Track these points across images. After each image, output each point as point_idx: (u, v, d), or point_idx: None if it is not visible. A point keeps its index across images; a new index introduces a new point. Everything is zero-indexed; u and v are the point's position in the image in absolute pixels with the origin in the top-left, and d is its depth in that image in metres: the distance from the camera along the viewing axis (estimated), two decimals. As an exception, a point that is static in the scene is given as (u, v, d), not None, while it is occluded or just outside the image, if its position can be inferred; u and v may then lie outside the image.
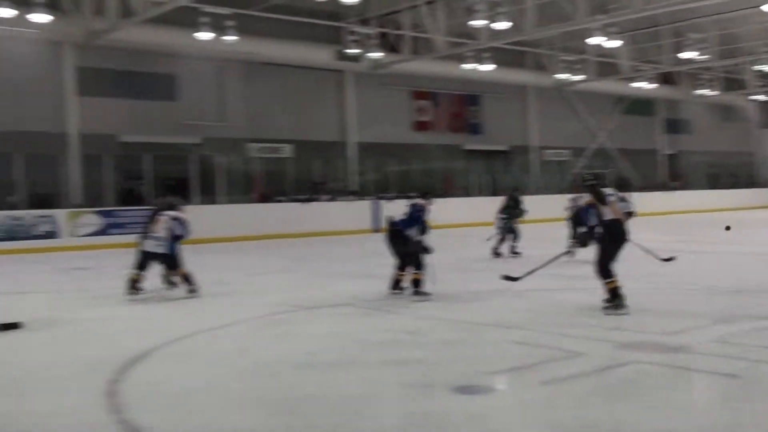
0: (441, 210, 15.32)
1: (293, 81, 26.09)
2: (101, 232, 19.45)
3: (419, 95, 29.95)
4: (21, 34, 20.33)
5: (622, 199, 9.21)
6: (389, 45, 26.21)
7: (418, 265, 9.58)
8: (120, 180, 22.20)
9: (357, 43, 25.04)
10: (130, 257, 10.51)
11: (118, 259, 15.20)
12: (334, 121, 27.60)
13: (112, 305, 9.84)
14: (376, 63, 26.44)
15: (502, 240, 14.87)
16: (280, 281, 12.34)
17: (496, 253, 14.68)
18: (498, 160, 30.86)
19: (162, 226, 10.21)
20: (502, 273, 9.76)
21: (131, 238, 18.38)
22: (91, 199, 20.82)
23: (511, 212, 15.04)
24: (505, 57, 27.85)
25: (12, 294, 10.93)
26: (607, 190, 8.86)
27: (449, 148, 29.78)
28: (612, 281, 8.25)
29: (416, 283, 9.56)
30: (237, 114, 25.13)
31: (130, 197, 21.32)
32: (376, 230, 22.40)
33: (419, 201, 9.92)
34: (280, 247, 19.26)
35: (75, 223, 19.20)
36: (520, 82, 31.54)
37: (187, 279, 10.29)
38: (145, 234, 10.33)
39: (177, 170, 22.77)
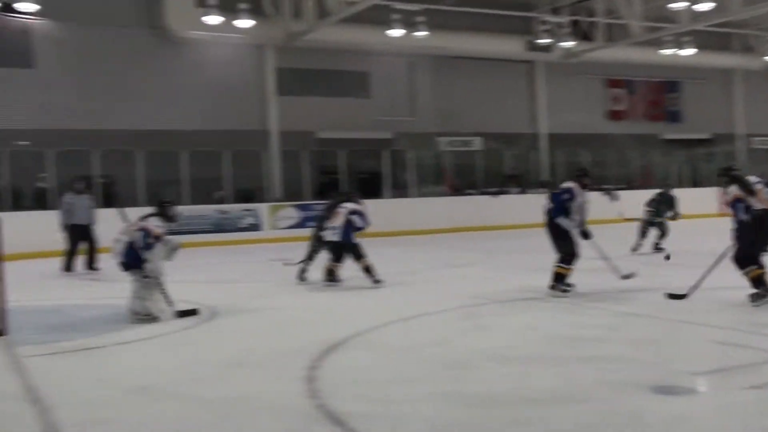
0: (638, 202, 14.79)
1: (483, 73, 26.00)
2: (299, 224, 20.36)
3: (613, 83, 28.93)
4: (227, 39, 21.74)
5: None
6: (581, 33, 25.51)
7: (564, 259, 9.15)
8: (316, 175, 23.13)
9: (548, 33, 24.58)
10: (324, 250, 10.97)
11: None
12: (524, 112, 27.25)
13: (309, 294, 10.29)
14: (568, 52, 25.82)
15: (643, 235, 14.23)
16: (471, 274, 12.35)
17: (633, 249, 14.05)
18: (699, 150, 29.19)
19: (340, 217, 10.51)
20: (666, 291, 8.82)
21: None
22: (290, 193, 21.85)
23: (658, 207, 14.28)
24: (707, 40, 26.31)
25: (217, 283, 11.67)
26: (752, 178, 8.17)
27: (646, 137, 28.53)
28: (756, 269, 7.74)
29: (557, 277, 9.16)
30: (427, 108, 25.42)
31: (325, 191, 22.14)
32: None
33: (570, 185, 9.28)
34: (470, 239, 19.29)
35: (275, 216, 20.21)
36: (724, 65, 29.68)
37: (368, 270, 10.52)
38: (322, 226, 10.72)
39: (370, 165, 23.42)
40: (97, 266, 13.24)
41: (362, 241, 10.72)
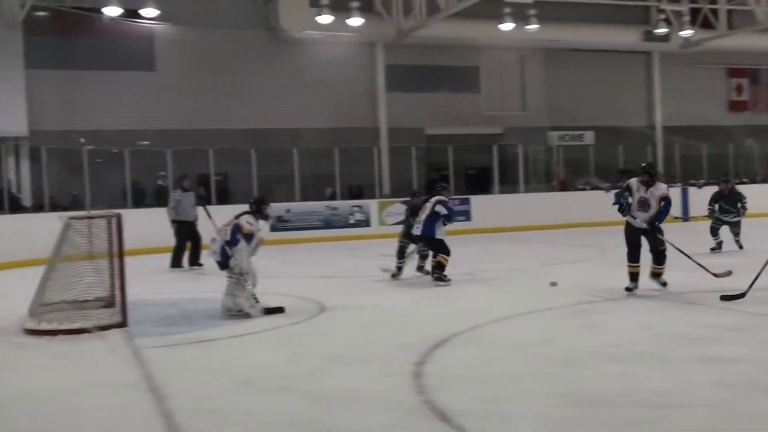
0: (760, 198, 14.12)
1: (595, 66, 25.39)
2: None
3: (735, 73, 27.71)
4: (339, 38, 22.08)
5: None
6: (701, 21, 24.52)
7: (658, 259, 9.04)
8: (425, 171, 23.15)
9: (666, 22, 23.77)
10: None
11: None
12: (639, 104, 26.47)
13: (414, 290, 10.31)
14: (687, 41, 24.93)
15: (715, 233, 13.67)
16: (582, 271, 12.07)
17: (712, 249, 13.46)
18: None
19: (426, 210, 10.54)
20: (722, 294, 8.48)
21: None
22: (399, 189, 21.95)
23: (728, 204, 13.60)
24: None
25: (325, 278, 11.85)
26: None
27: (769, 129, 27.21)
28: None
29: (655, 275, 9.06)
30: (538, 102, 25.06)
31: (434, 188, 22.13)
32: (686, 219, 21.16)
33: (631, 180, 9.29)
34: (582, 236, 18.87)
35: (384, 212, 20.34)
36: None
37: (439, 267, 10.42)
38: (409, 220, 10.73)
39: (479, 160, 23.27)
40: (200, 262, 13.62)
41: (448, 238, 10.62)
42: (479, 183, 23.21)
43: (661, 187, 9.22)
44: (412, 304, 9.27)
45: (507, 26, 21.80)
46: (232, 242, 8.42)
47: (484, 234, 19.70)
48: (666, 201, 9.13)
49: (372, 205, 20.38)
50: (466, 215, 21.05)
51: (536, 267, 12.49)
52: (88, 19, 19.98)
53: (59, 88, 20.15)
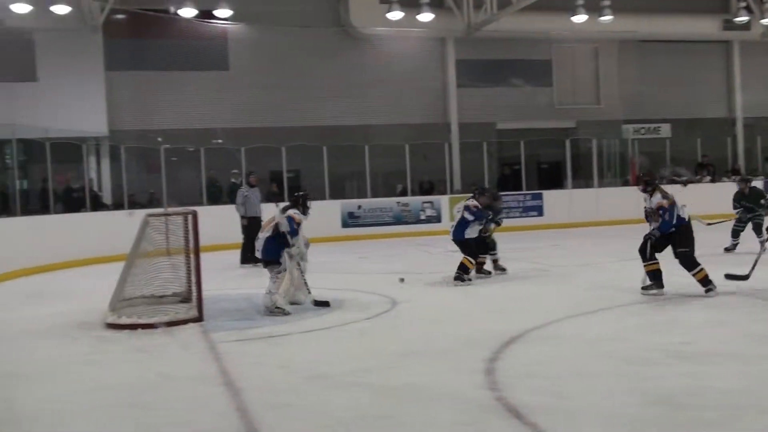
0: None
1: (671, 56, 24.74)
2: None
3: (819, 61, 26.62)
4: (409, 34, 22.09)
5: None
6: (784, 8, 23.67)
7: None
8: (497, 166, 22.97)
9: (746, 10, 23.03)
10: (506, 241, 10.89)
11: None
12: (718, 95, 25.67)
13: (488, 287, 10.24)
14: (769, 29, 24.08)
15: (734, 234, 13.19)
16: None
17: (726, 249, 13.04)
18: None
19: (458, 215, 10.69)
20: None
21: (507, 223, 18.89)
22: (470, 185, 21.81)
23: (752, 202, 13.05)
24: None
25: (396, 274, 11.85)
26: None
27: None
28: None
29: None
30: (612, 95, 24.58)
31: (506, 183, 21.95)
32: (767, 214, 20.46)
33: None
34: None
35: (455, 208, 20.22)
36: None
37: (462, 268, 10.31)
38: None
39: (551, 155, 22.97)
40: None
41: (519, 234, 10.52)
42: (552, 177, 22.91)
43: (655, 198, 8.88)
44: (484, 300, 9.22)
45: (580, 18, 21.42)
46: (293, 232, 8.65)
47: (557, 229, 19.45)
48: (663, 211, 8.75)
49: (443, 200, 20.32)
50: (539, 210, 20.83)
51: (610, 263, 12.26)
52: (164, 20, 20.47)
53: (137, 88, 20.70)
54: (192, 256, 8.37)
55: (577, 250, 14.54)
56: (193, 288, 8.34)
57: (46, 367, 6.40)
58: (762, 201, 13.07)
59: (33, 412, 5.15)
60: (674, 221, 8.70)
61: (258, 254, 8.82)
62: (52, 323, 8.36)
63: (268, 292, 8.56)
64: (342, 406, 4.97)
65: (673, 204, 8.75)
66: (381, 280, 10.91)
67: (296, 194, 9.26)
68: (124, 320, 7.85)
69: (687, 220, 8.82)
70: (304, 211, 8.94)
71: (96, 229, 15.36)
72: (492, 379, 5.42)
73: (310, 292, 8.91)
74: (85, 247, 14.88)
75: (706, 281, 8.56)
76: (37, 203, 16.56)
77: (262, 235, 8.75)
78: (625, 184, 22.80)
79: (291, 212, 8.79)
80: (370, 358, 6.30)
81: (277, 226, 8.68)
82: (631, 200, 21.32)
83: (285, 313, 8.39)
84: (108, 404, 5.26)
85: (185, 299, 8.66)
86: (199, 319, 7.98)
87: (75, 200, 16.44)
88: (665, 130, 24.34)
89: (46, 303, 10.11)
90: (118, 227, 13.81)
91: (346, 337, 7.29)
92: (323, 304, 8.78)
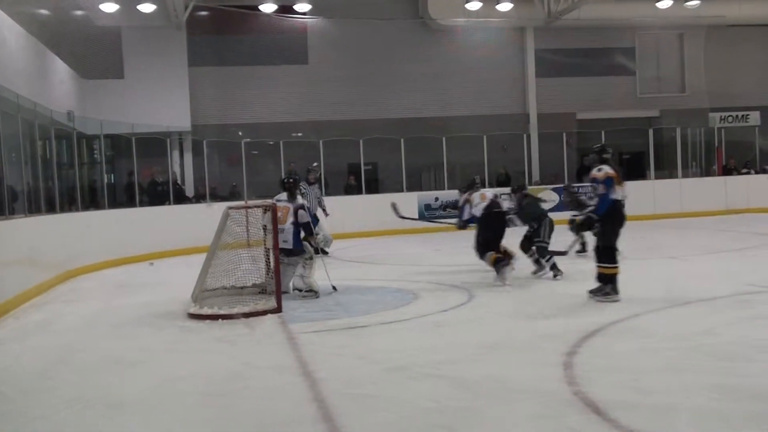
0: None
1: (760, 42, 23.95)
2: (558, 207, 19.98)
3: None
4: (488, 24, 21.90)
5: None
6: None
7: None
8: (577, 157, 22.57)
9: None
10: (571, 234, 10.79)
11: (572, 234, 15.49)
12: (810, 81, 24.64)
13: (565, 279, 10.06)
14: None
15: None
16: (746, 260, 11.42)
17: None
18: None
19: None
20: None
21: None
22: (549, 175, 21.52)
23: None
24: None
25: (472, 265, 11.78)
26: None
27: None
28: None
29: None
30: (698, 83, 23.88)
31: (586, 173, 21.54)
32: None
33: None
34: (746, 223, 17.85)
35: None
36: None
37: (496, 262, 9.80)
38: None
39: (633, 145, 22.47)
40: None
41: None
42: (633, 168, 22.39)
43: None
44: (563, 292, 9.06)
45: (665, 4, 20.88)
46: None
47: (639, 221, 18.97)
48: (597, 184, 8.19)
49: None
50: (619, 202, 20.37)
51: (694, 255, 11.92)
52: (245, 16, 20.84)
53: (219, 83, 21.14)
54: (271, 248, 8.49)
55: (661, 242, 14.18)
56: (273, 279, 8.46)
57: (135, 356, 6.58)
58: None
59: (125, 398, 5.31)
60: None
61: (287, 245, 8.95)
62: (139, 313, 8.62)
63: (301, 275, 8.94)
64: (421, 397, 4.95)
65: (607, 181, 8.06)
66: (458, 273, 10.85)
67: (289, 181, 9.55)
68: (206, 311, 8.02)
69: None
70: (293, 195, 9.32)
71: (179, 221, 15.75)
72: (570, 373, 5.32)
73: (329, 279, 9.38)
74: (169, 239, 15.27)
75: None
76: (123, 196, 17.08)
77: (286, 226, 8.98)
78: (710, 174, 22.14)
79: (303, 202, 9.26)
80: (448, 350, 6.27)
81: (296, 217, 9.03)
82: (715, 191, 20.86)
83: (317, 296, 8.87)
84: (190, 392, 5.38)
85: (264, 290, 8.80)
86: (278, 310, 8.09)
87: (159, 193, 16.89)
88: (754, 117, 23.51)
89: (132, 293, 10.42)
90: (200, 219, 14.16)
91: (424, 329, 7.28)
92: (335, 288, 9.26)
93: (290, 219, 9.04)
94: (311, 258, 9.10)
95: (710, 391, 4.78)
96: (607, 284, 8.05)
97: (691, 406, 4.53)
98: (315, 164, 18.92)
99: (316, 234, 9.48)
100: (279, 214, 8.97)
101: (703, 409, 4.47)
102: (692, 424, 4.28)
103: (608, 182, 8.05)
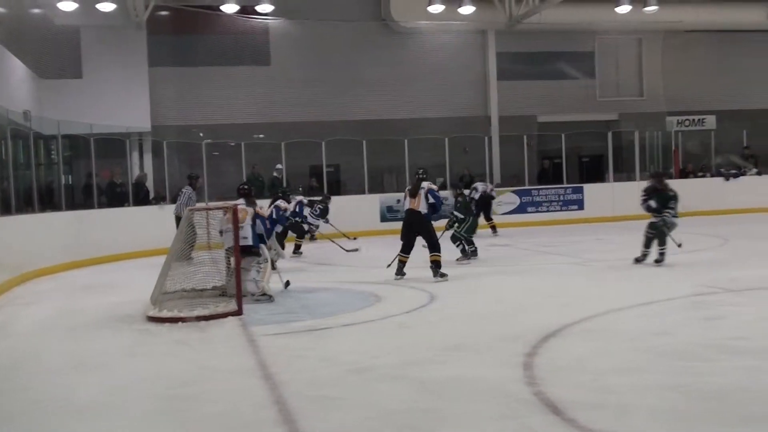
0: None
1: (717, 47, 24.36)
2: (519, 210, 20.17)
3: None
4: (450, 27, 22.00)
5: None
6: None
7: None
8: (537, 159, 22.79)
9: (794, -2, 22.54)
10: (546, 235, 10.79)
11: (533, 236, 15.68)
12: (764, 86, 25.09)
13: (529, 279, 10.17)
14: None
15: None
16: (703, 261, 11.62)
17: None
18: None
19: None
20: None
21: (547, 217, 18.86)
22: (510, 178, 21.69)
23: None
24: None
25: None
26: None
27: None
28: None
29: None
30: (655, 87, 24.25)
31: (546, 176, 21.79)
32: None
33: None
34: (703, 224, 18.14)
35: (496, 201, 20.15)
36: None
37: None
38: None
39: (593, 148, 22.75)
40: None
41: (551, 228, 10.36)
42: (593, 171, 22.68)
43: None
44: (523, 294, 9.15)
45: (624, 9, 21.12)
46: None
47: (598, 223, 19.26)
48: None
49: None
50: (579, 204, 20.62)
51: (652, 256, 12.07)
52: (206, 16, 20.68)
53: (179, 84, 20.94)
54: (233, 250, 8.44)
55: (619, 244, 14.36)
56: (234, 282, 8.41)
57: (94, 359, 6.50)
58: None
59: (81, 403, 5.24)
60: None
61: (246, 242, 8.97)
62: (97, 316, 8.51)
63: (254, 280, 8.91)
64: (383, 399, 4.97)
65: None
66: (421, 274, 10.88)
67: (243, 187, 9.80)
68: (165, 313, 7.95)
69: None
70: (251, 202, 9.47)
71: (138, 223, 15.58)
72: (531, 373, 5.37)
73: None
74: (128, 240, 15.10)
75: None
76: (81, 198, 16.84)
77: (245, 225, 9.02)
78: (669, 177, 22.47)
79: (261, 211, 9.44)
80: (411, 351, 6.29)
81: (254, 222, 9.11)
82: (678, 192, 21.12)
83: (271, 300, 8.86)
84: (149, 396, 5.33)
85: (225, 293, 8.75)
86: (238, 312, 8.05)
87: (118, 195, 16.69)
88: (710, 121, 23.91)
89: (91, 296, 10.28)
90: (160, 221, 14.01)
91: (386, 330, 7.29)
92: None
93: (248, 221, 9.08)
94: (266, 261, 9.08)
95: (667, 390, 4.87)
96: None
97: (648, 406, 4.60)
98: (279, 166, 18.93)
99: (270, 248, 9.56)
100: (240, 215, 9.00)
101: (660, 408, 4.54)
102: (650, 423, 4.34)
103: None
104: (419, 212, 10.38)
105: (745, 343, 6.01)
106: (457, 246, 12.38)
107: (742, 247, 13.36)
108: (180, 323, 7.68)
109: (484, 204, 16.91)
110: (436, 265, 10.33)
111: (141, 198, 17.09)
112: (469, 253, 12.48)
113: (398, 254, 10.61)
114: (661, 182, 11.07)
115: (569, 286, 9.56)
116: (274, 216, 12.10)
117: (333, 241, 15.27)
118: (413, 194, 10.44)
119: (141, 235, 15.19)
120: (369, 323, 7.58)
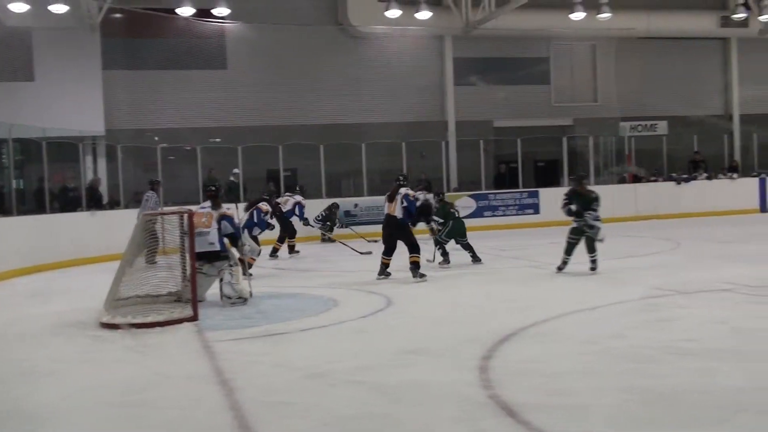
0: None
1: (669, 54, 24.80)
2: (475, 214, 20.31)
3: (817, 58, 26.61)
4: (407, 32, 22.09)
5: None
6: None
7: None
8: (494, 164, 22.98)
9: (744, 6, 23.05)
10: (503, 239, 10.89)
11: (490, 241, 15.78)
12: (715, 92, 25.73)
13: (482, 284, 10.24)
14: (767, 26, 24.05)
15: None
16: (655, 264, 11.82)
17: None
18: None
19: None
20: None
21: (503, 221, 19.01)
22: (467, 182, 21.83)
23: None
24: None
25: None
26: None
27: None
28: None
29: None
30: (609, 93, 24.61)
31: (502, 181, 21.99)
32: (764, 210, 20.58)
33: None
34: (655, 228, 18.48)
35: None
36: None
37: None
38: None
39: (548, 152, 23.00)
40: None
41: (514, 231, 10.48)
42: (548, 175, 22.93)
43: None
44: (479, 297, 9.22)
45: (578, 15, 21.43)
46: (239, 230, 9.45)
47: (554, 227, 19.43)
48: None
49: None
50: (535, 208, 20.83)
51: (606, 260, 12.24)
52: (161, 19, 20.44)
53: (134, 87, 20.68)
54: (187, 255, 8.36)
55: (578, 248, 14.52)
56: (189, 287, 8.32)
57: (46, 366, 6.38)
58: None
59: (34, 410, 5.15)
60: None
61: (213, 247, 8.97)
62: (50, 322, 8.35)
63: (229, 282, 8.92)
64: (339, 404, 4.96)
65: None
66: (377, 279, 10.90)
67: (210, 189, 9.66)
68: (119, 320, 7.84)
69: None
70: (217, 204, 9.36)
71: (91, 228, 15.35)
72: (486, 376, 5.41)
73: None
74: (82, 246, 14.87)
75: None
76: (33, 203, 16.53)
77: (211, 230, 9.00)
78: (622, 181, 22.85)
79: (228, 212, 9.32)
80: (367, 356, 6.29)
81: (219, 225, 9.07)
82: (626, 198, 21.54)
83: (245, 302, 8.94)
84: (103, 403, 5.25)
85: (180, 299, 8.65)
86: (194, 318, 7.97)
87: (71, 199, 16.42)
88: (662, 127, 24.36)
89: (42, 302, 10.10)
90: (113, 226, 13.82)
91: (343, 335, 7.28)
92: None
93: (214, 225, 9.05)
94: (236, 264, 9.06)
95: (620, 392, 4.93)
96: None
97: (602, 407, 4.66)
98: (236, 170, 18.81)
99: (243, 245, 9.48)
100: (203, 219, 8.98)
101: (614, 410, 4.60)
102: (604, 425, 4.39)
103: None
104: (395, 217, 10.79)
105: (696, 345, 6.12)
106: (438, 250, 12.38)
107: (693, 250, 13.61)
108: (134, 329, 7.58)
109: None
110: (415, 266, 10.62)
111: (94, 203, 16.84)
112: (449, 257, 12.39)
113: (381, 256, 10.95)
114: (582, 185, 11.15)
115: (525, 290, 9.64)
116: (255, 219, 12.16)
117: (344, 243, 15.41)
118: (390, 199, 10.92)
119: (95, 240, 14.97)
120: (326, 328, 7.56)
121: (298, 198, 15.60)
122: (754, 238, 14.83)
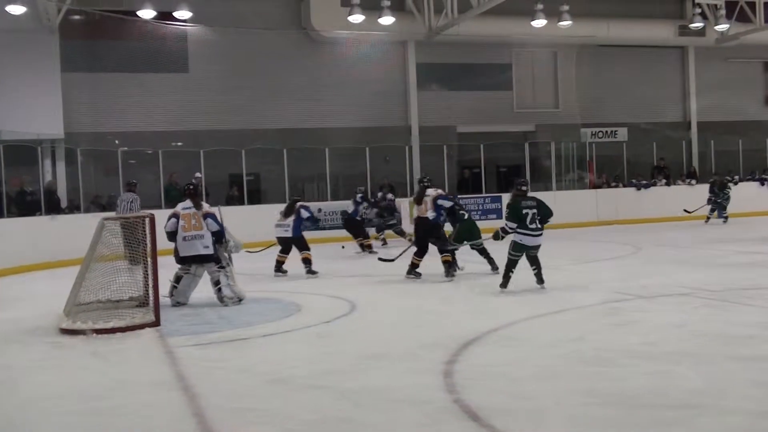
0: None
1: (628, 61, 25.15)
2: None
3: (773, 67, 27.21)
4: (370, 37, 22.11)
5: None
6: (737, 15, 24.12)
7: None
8: (457, 169, 23.09)
9: (701, 16, 23.44)
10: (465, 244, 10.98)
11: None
12: (674, 100, 26.11)
13: (448, 289, 10.27)
14: (723, 35, 24.51)
15: None
16: (614, 269, 11.98)
17: None
18: None
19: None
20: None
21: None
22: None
23: None
24: None
25: (354, 277, 11.86)
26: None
27: (809, 124, 26.67)
28: None
29: None
30: (570, 99, 24.86)
31: (465, 186, 22.09)
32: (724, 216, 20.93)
33: None
34: (615, 233, 18.72)
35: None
36: None
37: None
38: None
39: (510, 158, 23.17)
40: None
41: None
42: (511, 181, 23.06)
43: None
44: (442, 302, 9.25)
45: (539, 23, 21.61)
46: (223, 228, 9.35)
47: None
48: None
49: (404, 203, 20.35)
50: (498, 213, 20.94)
51: (568, 265, 12.39)
52: (122, 21, 20.19)
53: (94, 90, 20.41)
54: (149, 260, 8.27)
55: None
56: (150, 292, 8.24)
57: (2, 374, 6.27)
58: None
59: (-15, 419, 5.05)
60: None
61: (207, 251, 8.91)
62: (5, 329, 8.20)
63: (227, 284, 8.96)
64: (303, 409, 4.94)
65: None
66: (343, 284, 10.89)
67: (189, 187, 9.61)
68: (79, 325, 7.73)
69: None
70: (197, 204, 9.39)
71: (50, 232, 15.12)
72: (450, 381, 5.43)
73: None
74: (40, 250, 14.64)
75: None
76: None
77: (204, 233, 9.03)
78: (583, 187, 23.11)
79: (210, 210, 9.36)
80: (330, 361, 6.28)
81: (207, 225, 9.11)
82: (587, 204, 21.81)
83: (240, 302, 9.08)
84: (63, 411, 5.16)
85: (142, 303, 8.56)
86: (156, 323, 7.89)
87: (29, 203, 16.16)
88: (622, 133, 24.70)
89: (-1, 308, 9.92)
90: (73, 231, 13.61)
91: (306, 340, 7.26)
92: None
93: (206, 228, 9.11)
94: (228, 265, 9.03)
95: (582, 395, 4.98)
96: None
97: (565, 411, 4.70)
98: (198, 175, 18.63)
99: (227, 241, 9.45)
100: (193, 221, 9.06)
101: (576, 413, 4.65)
102: (566, 428, 4.44)
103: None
104: (426, 218, 10.94)
105: (655, 348, 6.21)
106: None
107: (653, 254, 13.80)
108: (94, 335, 7.48)
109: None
110: (447, 265, 10.89)
111: (52, 207, 16.59)
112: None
113: (412, 256, 11.16)
114: (523, 193, 10.62)
115: (488, 294, 9.69)
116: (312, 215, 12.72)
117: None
118: (418, 201, 11.10)
119: (54, 245, 14.74)
120: (288, 333, 7.53)
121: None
122: (712, 243, 15.09)
